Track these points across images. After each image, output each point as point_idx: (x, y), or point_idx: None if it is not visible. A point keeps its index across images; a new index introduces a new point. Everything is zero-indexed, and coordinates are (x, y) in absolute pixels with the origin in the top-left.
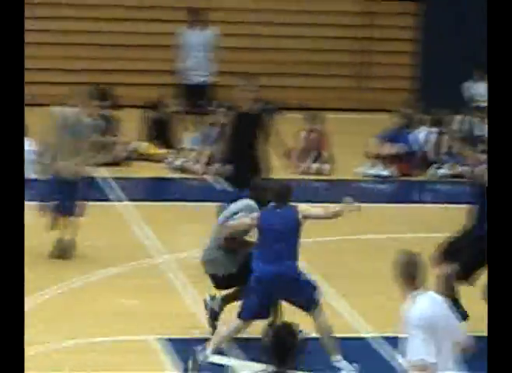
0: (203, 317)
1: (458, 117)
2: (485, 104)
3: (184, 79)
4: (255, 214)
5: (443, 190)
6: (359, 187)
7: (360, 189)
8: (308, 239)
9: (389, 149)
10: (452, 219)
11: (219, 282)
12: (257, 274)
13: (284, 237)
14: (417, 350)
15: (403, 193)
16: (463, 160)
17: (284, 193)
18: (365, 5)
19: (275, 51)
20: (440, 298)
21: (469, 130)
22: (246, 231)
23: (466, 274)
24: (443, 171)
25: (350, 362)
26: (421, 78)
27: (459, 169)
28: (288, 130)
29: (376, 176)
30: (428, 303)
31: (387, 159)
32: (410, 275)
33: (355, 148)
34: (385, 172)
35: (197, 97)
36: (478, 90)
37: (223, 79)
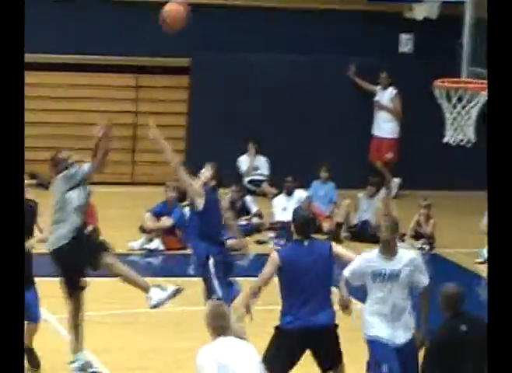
0: None
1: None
2: (260, 177)
3: None
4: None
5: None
6: (132, 261)
7: (133, 264)
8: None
9: (162, 223)
10: None
11: None
12: None
13: None
14: None
15: (172, 266)
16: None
17: None
18: (136, 79)
19: (44, 125)
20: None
21: (241, 202)
22: None
23: None
24: None
25: None
26: (190, 152)
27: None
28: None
29: (148, 250)
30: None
31: (157, 233)
32: (217, 325)
33: (129, 221)
34: (158, 246)
35: None
36: (254, 164)
37: None
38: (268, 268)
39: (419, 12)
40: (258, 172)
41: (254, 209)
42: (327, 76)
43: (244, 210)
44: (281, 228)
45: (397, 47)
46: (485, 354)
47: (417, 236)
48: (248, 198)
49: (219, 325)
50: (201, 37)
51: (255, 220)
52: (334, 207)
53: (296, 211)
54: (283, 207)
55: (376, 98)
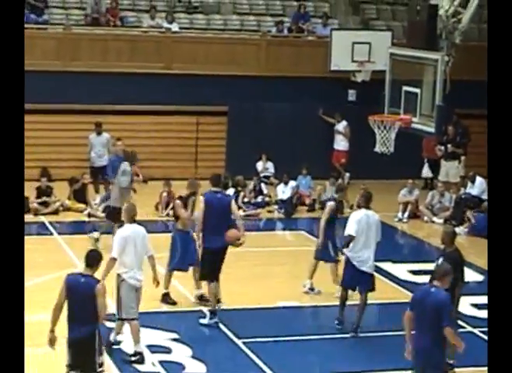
0: None
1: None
2: (269, 174)
3: (92, 163)
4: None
5: None
6: None
7: None
8: None
9: None
10: None
11: None
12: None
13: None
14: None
15: None
16: None
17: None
18: (197, 118)
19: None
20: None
21: (258, 187)
22: None
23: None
24: None
25: None
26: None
27: None
28: None
29: None
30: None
31: None
32: (128, 215)
33: None
34: None
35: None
36: (265, 166)
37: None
38: (201, 207)
39: (359, 77)
40: (268, 171)
41: (265, 191)
42: (308, 116)
43: (260, 192)
44: (281, 203)
45: (346, 97)
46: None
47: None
48: (262, 185)
49: (129, 216)
50: (235, 93)
51: (266, 198)
52: (311, 190)
53: (213, 176)
54: (282, 191)
55: (336, 127)
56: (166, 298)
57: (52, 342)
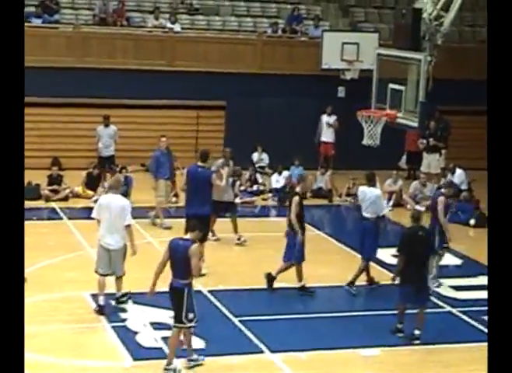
0: None
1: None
2: (264, 164)
3: (100, 153)
4: None
5: None
6: None
7: None
8: None
9: None
10: None
11: None
12: None
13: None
14: None
15: None
16: None
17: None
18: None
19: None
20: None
21: (254, 177)
22: None
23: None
24: None
25: None
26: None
27: None
28: None
29: None
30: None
31: None
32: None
33: None
34: None
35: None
36: (261, 157)
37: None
38: (184, 178)
39: (348, 75)
40: (263, 161)
41: (260, 180)
42: (300, 110)
43: (255, 181)
44: (275, 191)
45: (336, 93)
46: (429, 246)
47: (348, 195)
48: (258, 175)
49: (113, 186)
50: (233, 89)
51: (261, 187)
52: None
53: (202, 151)
54: (276, 180)
55: (326, 120)
56: (303, 289)
57: (151, 293)
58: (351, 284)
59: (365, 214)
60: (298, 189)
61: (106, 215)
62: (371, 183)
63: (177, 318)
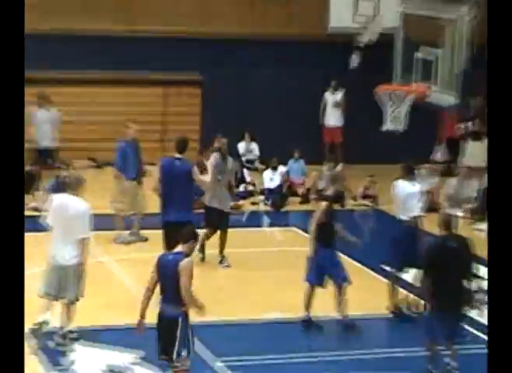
0: None
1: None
2: (253, 157)
3: (35, 145)
4: None
5: None
6: None
7: None
8: None
9: None
10: None
11: None
12: None
13: None
14: None
15: None
16: None
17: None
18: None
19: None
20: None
21: (240, 174)
22: None
23: None
24: None
25: None
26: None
27: None
28: None
29: None
30: None
31: None
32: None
33: None
34: None
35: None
36: (249, 147)
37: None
38: (157, 172)
39: (363, 38)
40: (252, 153)
41: (248, 179)
42: (300, 86)
43: (242, 180)
44: (268, 193)
45: (347, 63)
46: (468, 262)
47: (365, 197)
48: (245, 171)
49: (72, 187)
50: (210, 58)
51: (250, 187)
52: (304, 177)
53: (178, 139)
54: (270, 178)
55: (331, 98)
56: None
57: (141, 328)
58: (395, 309)
59: (401, 216)
60: (329, 192)
61: (62, 222)
62: (410, 176)
63: (167, 356)
